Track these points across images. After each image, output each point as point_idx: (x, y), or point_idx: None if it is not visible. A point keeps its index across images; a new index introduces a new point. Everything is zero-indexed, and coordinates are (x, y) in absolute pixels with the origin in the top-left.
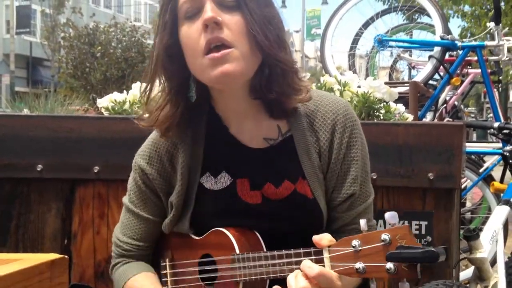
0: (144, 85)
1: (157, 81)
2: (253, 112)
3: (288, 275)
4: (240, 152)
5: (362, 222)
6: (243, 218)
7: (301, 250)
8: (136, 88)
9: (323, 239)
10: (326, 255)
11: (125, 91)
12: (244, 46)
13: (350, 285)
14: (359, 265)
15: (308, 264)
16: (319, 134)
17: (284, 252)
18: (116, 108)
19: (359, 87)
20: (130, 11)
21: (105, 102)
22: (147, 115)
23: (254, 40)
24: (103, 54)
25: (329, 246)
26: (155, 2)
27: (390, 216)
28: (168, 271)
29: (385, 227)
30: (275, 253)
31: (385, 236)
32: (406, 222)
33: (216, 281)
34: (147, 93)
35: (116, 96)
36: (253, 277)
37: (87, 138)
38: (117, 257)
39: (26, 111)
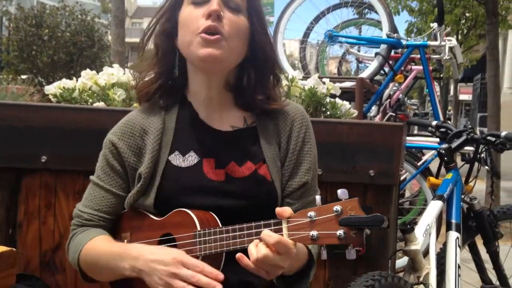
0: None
1: None
2: (223, 102)
3: (248, 246)
4: (207, 134)
5: (318, 198)
6: (207, 194)
7: (262, 222)
8: (85, 76)
9: (285, 211)
10: (284, 225)
11: (74, 78)
12: (235, 43)
13: (301, 254)
14: (313, 232)
15: (268, 233)
16: (279, 127)
17: (245, 225)
18: (65, 95)
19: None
20: None
21: (52, 89)
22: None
23: (247, 43)
24: (51, 37)
25: (288, 218)
26: None
27: (342, 192)
28: None
29: None
30: (236, 226)
31: (337, 208)
32: None
33: None
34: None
35: (65, 83)
36: (213, 251)
37: (35, 127)
38: (77, 228)
39: None
